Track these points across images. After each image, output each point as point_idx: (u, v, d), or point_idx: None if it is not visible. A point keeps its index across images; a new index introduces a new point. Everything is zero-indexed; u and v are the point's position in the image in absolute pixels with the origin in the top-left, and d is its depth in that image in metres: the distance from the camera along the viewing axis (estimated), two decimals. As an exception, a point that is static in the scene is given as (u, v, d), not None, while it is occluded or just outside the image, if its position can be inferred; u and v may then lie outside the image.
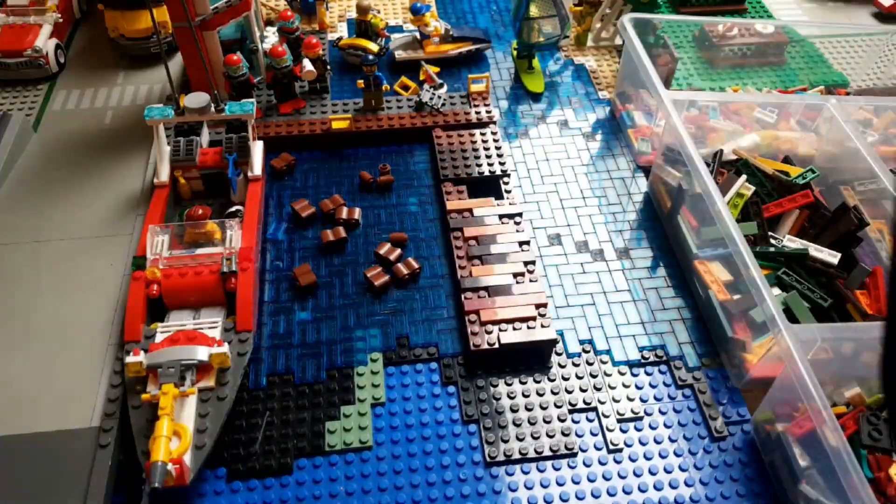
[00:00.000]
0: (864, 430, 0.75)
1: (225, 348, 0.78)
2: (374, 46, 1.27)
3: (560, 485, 0.77)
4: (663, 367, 0.88)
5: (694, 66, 1.33)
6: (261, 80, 1.22)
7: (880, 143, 1.08)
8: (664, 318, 0.93)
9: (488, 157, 1.10)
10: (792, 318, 0.83)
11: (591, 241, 1.03)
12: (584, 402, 0.83)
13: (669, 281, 0.98)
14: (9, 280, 0.92)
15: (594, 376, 0.86)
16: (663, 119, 1.03)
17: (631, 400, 0.84)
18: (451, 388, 0.85)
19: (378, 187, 1.09)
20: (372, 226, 1.03)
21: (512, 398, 0.83)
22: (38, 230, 0.98)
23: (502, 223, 0.99)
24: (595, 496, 0.76)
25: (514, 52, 1.32)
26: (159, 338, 0.80)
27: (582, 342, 0.90)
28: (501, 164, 1.09)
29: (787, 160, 1.07)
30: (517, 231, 0.98)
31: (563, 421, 0.81)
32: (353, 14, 1.41)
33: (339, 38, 1.32)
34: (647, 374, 0.87)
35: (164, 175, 0.99)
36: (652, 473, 0.78)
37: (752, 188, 0.97)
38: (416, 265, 0.96)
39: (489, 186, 1.07)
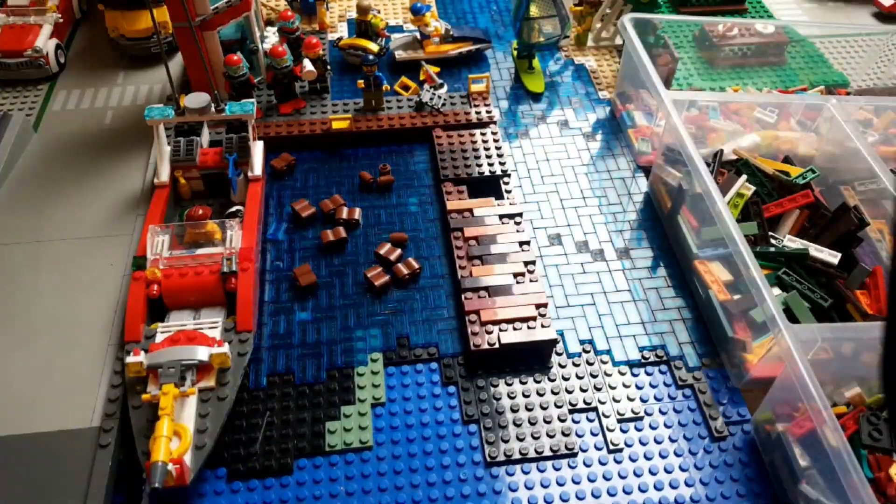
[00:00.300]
0: (864, 430, 0.75)
1: (225, 348, 0.78)
2: (374, 46, 1.27)
3: (560, 485, 0.77)
4: (663, 367, 0.88)
5: (694, 66, 1.34)
6: (261, 80, 1.22)
7: (880, 143, 1.08)
8: (664, 318, 0.93)
9: (488, 157, 1.10)
10: (792, 318, 0.83)
11: (592, 241, 1.03)
12: (585, 402, 0.83)
13: (670, 281, 0.98)
14: (9, 280, 0.92)
15: (594, 376, 0.86)
16: (663, 119, 1.03)
17: (631, 400, 0.84)
18: (452, 388, 0.85)
19: (378, 187, 1.09)
20: (372, 226, 1.03)
21: (512, 398, 0.83)
22: (38, 230, 0.99)
23: (502, 223, 0.99)
24: (595, 496, 0.76)
25: (515, 52, 1.32)
26: (159, 338, 0.80)
27: (582, 342, 0.90)
28: (501, 164, 1.09)
29: (787, 160, 1.07)
30: (517, 231, 0.98)
31: (563, 421, 0.81)
32: (354, 14, 1.41)
33: (340, 38, 1.32)
34: (648, 374, 0.87)
35: (164, 175, 0.99)
36: (652, 473, 0.78)
37: (753, 188, 0.97)
38: (416, 265, 0.96)
39: (489, 186, 1.07)
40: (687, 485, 0.77)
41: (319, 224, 1.03)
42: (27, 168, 1.08)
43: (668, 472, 0.78)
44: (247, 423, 0.81)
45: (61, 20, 1.31)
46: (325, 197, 1.06)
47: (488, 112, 1.17)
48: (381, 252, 0.97)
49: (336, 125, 1.14)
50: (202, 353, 0.77)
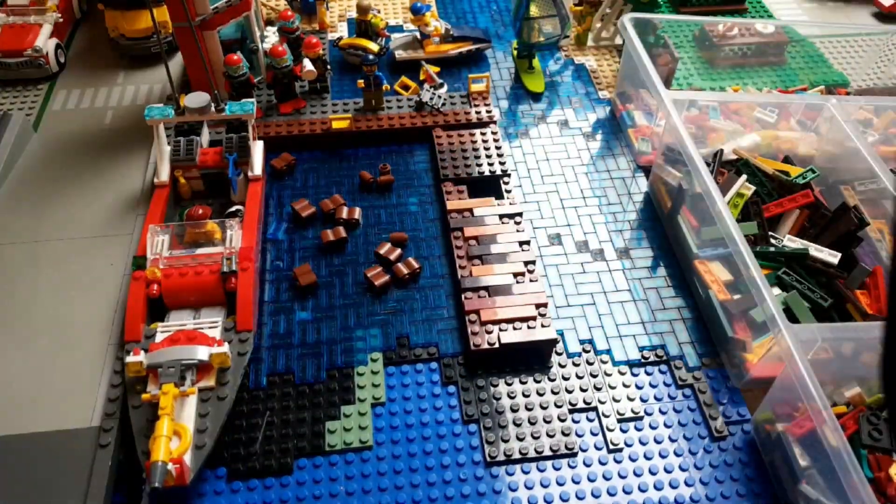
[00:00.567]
0: (864, 430, 0.75)
1: (225, 348, 0.78)
2: (374, 46, 1.27)
3: (560, 485, 0.77)
4: (663, 367, 0.88)
5: (694, 66, 1.33)
6: (261, 80, 1.22)
7: (880, 142, 1.08)
8: (664, 318, 0.93)
9: (488, 156, 1.10)
10: (792, 317, 0.83)
11: (592, 240, 1.03)
12: (585, 402, 0.83)
13: (669, 281, 0.98)
14: (9, 280, 0.92)
15: (594, 376, 0.86)
16: (663, 119, 1.03)
17: (631, 400, 0.84)
18: (452, 388, 0.85)
19: (378, 187, 1.09)
20: (372, 226, 1.03)
21: (512, 398, 0.83)
22: (38, 230, 0.99)
23: (502, 223, 0.99)
24: (595, 496, 0.76)
25: (515, 52, 1.32)
26: (159, 337, 0.80)
27: (582, 342, 0.90)
28: (501, 163, 1.09)
29: (787, 160, 1.07)
30: (517, 231, 0.98)
31: (563, 421, 0.81)
32: (354, 14, 1.41)
33: (340, 38, 1.32)
34: (648, 373, 0.87)
35: (164, 175, 0.99)
36: (652, 473, 0.78)
37: (753, 188, 0.97)
38: (416, 265, 0.96)
39: (489, 186, 1.07)
40: (687, 485, 0.77)
41: (319, 224, 1.03)
42: (27, 168, 1.08)
43: (668, 471, 0.78)
44: (247, 423, 0.81)
45: (61, 20, 1.31)
46: (325, 197, 1.06)
47: (488, 112, 1.17)
48: (381, 252, 0.97)
49: (336, 125, 1.14)
50: (202, 353, 0.77)
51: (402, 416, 0.82)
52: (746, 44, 1.33)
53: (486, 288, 0.91)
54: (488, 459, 0.78)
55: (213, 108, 0.98)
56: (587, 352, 0.89)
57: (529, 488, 0.76)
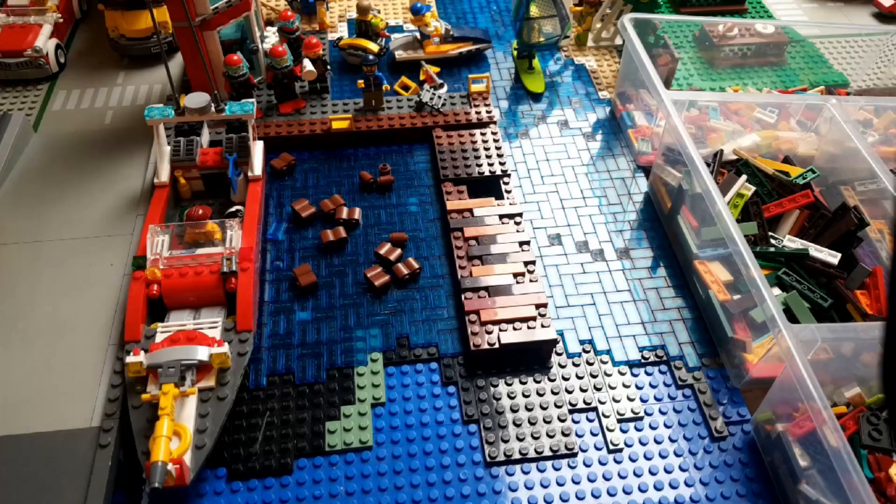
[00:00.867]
0: (864, 430, 0.75)
1: (225, 348, 0.78)
2: (374, 46, 1.27)
3: (560, 485, 0.77)
4: (663, 367, 0.88)
5: (694, 66, 1.34)
6: (261, 80, 1.22)
7: (880, 143, 1.08)
8: (664, 318, 0.93)
9: (488, 157, 1.10)
10: (792, 318, 0.83)
11: (592, 241, 1.03)
12: (584, 402, 0.83)
13: (669, 281, 0.98)
14: (9, 280, 0.92)
15: (594, 376, 0.86)
16: (663, 119, 1.03)
17: (631, 400, 0.84)
18: (451, 388, 0.85)
19: (378, 187, 1.09)
20: (372, 226, 1.03)
21: (512, 398, 0.83)
22: (38, 230, 0.99)
23: (502, 223, 0.99)
24: (595, 496, 0.76)
25: (515, 52, 1.32)
26: (159, 338, 0.80)
27: (582, 342, 0.90)
28: (502, 164, 1.09)
29: (787, 160, 1.07)
30: (517, 231, 0.98)
31: (563, 421, 0.81)
32: (354, 14, 1.41)
33: (340, 38, 1.32)
34: (648, 374, 0.87)
35: (164, 175, 0.99)
36: (652, 473, 0.78)
37: (753, 188, 0.97)
38: (416, 265, 0.96)
39: (489, 186, 1.07)
40: (687, 485, 0.77)
41: (319, 224, 1.03)
42: (27, 168, 1.08)
43: (668, 472, 0.78)
44: (247, 423, 0.81)
45: (61, 20, 1.31)
46: (325, 197, 1.06)
47: (488, 112, 1.17)
48: (381, 252, 0.97)
49: (336, 125, 1.14)
50: (202, 353, 0.77)
51: (402, 416, 0.82)
52: (746, 44, 1.33)
53: (486, 288, 0.91)
54: (488, 460, 0.78)
55: (213, 109, 0.98)
56: (587, 352, 0.89)
57: (529, 488, 0.76)
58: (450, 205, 1.02)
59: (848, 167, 1.01)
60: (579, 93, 1.29)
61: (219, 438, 0.75)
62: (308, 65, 1.16)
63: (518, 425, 0.81)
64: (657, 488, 0.77)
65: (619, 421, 0.82)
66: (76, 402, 0.79)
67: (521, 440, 0.79)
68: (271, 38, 1.31)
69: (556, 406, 0.83)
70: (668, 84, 1.22)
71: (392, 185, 1.09)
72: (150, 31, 1.27)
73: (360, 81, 1.15)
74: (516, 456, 0.78)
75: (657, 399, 0.84)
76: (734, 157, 1.04)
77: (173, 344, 0.78)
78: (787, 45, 1.35)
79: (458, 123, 1.16)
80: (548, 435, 0.80)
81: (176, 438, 0.71)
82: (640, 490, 0.77)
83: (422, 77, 1.27)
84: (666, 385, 0.86)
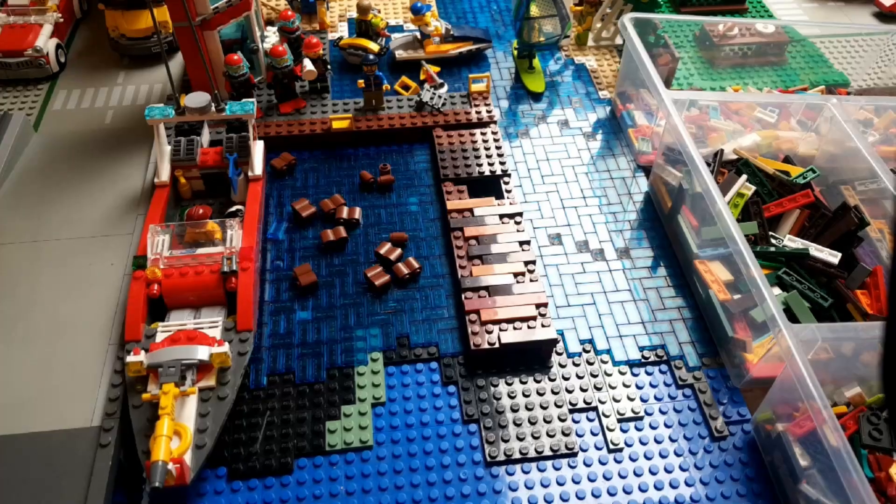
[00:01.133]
0: (864, 430, 0.75)
1: (225, 348, 0.78)
2: (374, 46, 1.27)
3: (560, 484, 0.77)
4: (663, 367, 0.88)
5: (694, 66, 1.33)
6: (261, 80, 1.22)
7: (881, 142, 1.08)
8: (664, 318, 0.93)
9: (489, 156, 1.10)
10: (792, 317, 0.83)
11: (592, 240, 1.03)
12: (585, 402, 0.83)
13: (670, 281, 0.98)
14: (9, 280, 0.92)
15: (594, 376, 0.86)
16: (664, 119, 1.03)
17: (631, 400, 0.84)
18: (452, 388, 0.85)
19: (378, 187, 1.09)
20: (372, 225, 1.03)
21: (512, 398, 0.83)
22: (38, 230, 0.99)
23: (502, 223, 0.99)
24: (595, 496, 0.76)
25: (515, 52, 1.32)
26: (160, 337, 0.80)
27: (582, 342, 0.90)
28: (502, 163, 1.09)
29: (787, 160, 1.07)
30: (517, 231, 0.98)
31: (563, 421, 0.81)
32: (354, 14, 1.41)
33: (340, 38, 1.32)
34: (648, 373, 0.87)
35: (164, 175, 0.99)
36: (652, 473, 0.78)
37: (753, 188, 0.97)
38: (416, 265, 0.96)
39: (489, 186, 1.07)
40: (687, 485, 0.77)
41: (319, 224, 1.03)
42: (27, 168, 1.08)
43: (668, 472, 0.78)
44: (247, 423, 0.81)
45: (62, 20, 1.31)
46: (325, 196, 1.06)
47: (488, 112, 1.17)
48: (382, 252, 0.97)
49: (336, 125, 1.14)
50: (202, 353, 0.77)
51: (402, 415, 0.82)
52: (747, 44, 1.33)
53: (486, 288, 0.91)
54: (488, 459, 0.78)
55: (213, 108, 0.98)
56: (587, 352, 0.89)
57: (529, 488, 0.76)
58: (450, 204, 1.02)
59: (848, 167, 1.01)
60: (579, 92, 1.29)
61: (219, 438, 0.75)
62: (308, 64, 1.16)
63: (518, 425, 0.81)
64: (657, 488, 0.77)
65: (620, 421, 0.82)
66: (76, 401, 0.79)
67: (521, 440, 0.79)
68: (271, 37, 1.31)
69: (557, 406, 0.83)
70: (668, 84, 1.22)
71: (392, 185, 1.09)
72: (150, 31, 1.27)
73: (361, 81, 1.15)
74: (516, 455, 0.78)
75: (657, 399, 0.84)
76: (734, 157, 1.04)
77: (174, 343, 0.78)
78: (787, 44, 1.35)
79: (458, 123, 1.16)
80: (548, 434, 0.80)
81: (176, 438, 0.71)
82: (640, 490, 0.77)
83: (422, 77, 1.27)
84: (666, 385, 0.86)
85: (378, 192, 1.08)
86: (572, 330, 0.91)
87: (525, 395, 0.83)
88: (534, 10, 1.22)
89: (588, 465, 0.78)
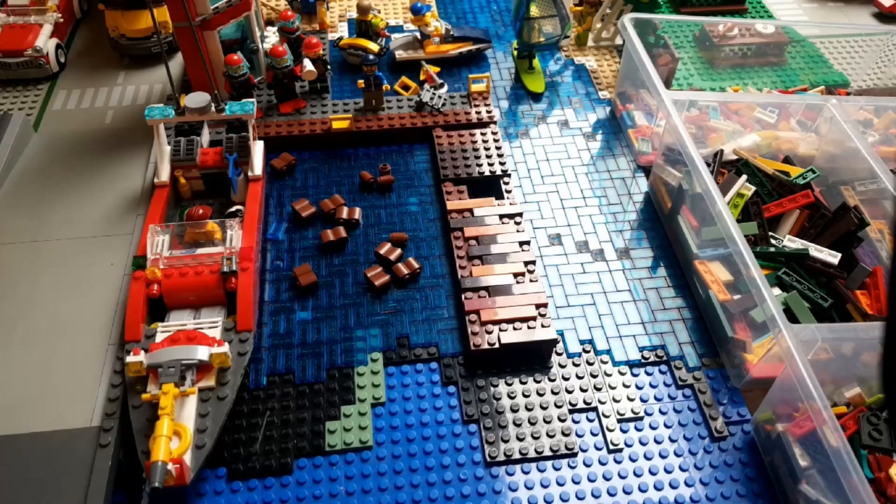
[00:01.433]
0: (864, 430, 0.75)
1: (225, 348, 0.78)
2: (374, 46, 1.27)
3: (560, 485, 0.77)
4: (663, 367, 0.88)
5: (694, 66, 1.34)
6: (261, 80, 1.22)
7: (880, 143, 1.08)
8: (664, 318, 0.93)
9: (488, 157, 1.10)
10: (792, 318, 0.83)
11: (592, 241, 1.03)
12: (585, 402, 0.83)
13: (670, 281, 0.98)
14: (9, 280, 0.92)
15: (594, 376, 0.86)
16: (664, 119, 1.03)
17: (631, 400, 0.84)
18: (452, 388, 0.85)
19: (378, 187, 1.09)
20: (372, 225, 1.03)
21: (512, 398, 0.83)
22: (38, 230, 0.99)
23: (502, 223, 0.99)
24: (595, 496, 0.76)
25: (515, 52, 1.32)
26: (160, 337, 0.80)
27: (582, 342, 0.90)
28: (502, 164, 1.09)
29: (787, 160, 1.07)
30: (517, 231, 0.98)
31: (563, 421, 0.81)
32: (354, 14, 1.41)
33: (340, 38, 1.32)
34: (648, 374, 0.87)
35: (164, 175, 0.99)
36: (652, 473, 0.78)
37: (753, 188, 0.97)
38: (416, 265, 0.96)
39: (489, 186, 1.07)
40: (687, 485, 0.77)
41: (319, 224, 1.03)
42: (27, 168, 1.08)
43: (668, 472, 0.78)
44: (247, 423, 0.81)
45: (61, 20, 1.31)
46: (325, 197, 1.06)
47: (488, 112, 1.17)
48: (381, 252, 0.97)
49: (336, 125, 1.14)
50: (202, 353, 0.77)
51: (402, 416, 0.82)
52: (746, 44, 1.33)
53: (486, 288, 0.91)
54: (488, 459, 0.78)
55: (213, 108, 0.98)
56: (587, 352, 0.89)
57: (529, 488, 0.76)
58: (450, 205, 1.02)
59: (848, 167, 1.01)
60: (579, 93, 1.29)
61: (219, 438, 0.75)
62: (308, 65, 1.16)
63: (518, 425, 0.81)
64: (657, 488, 0.77)
65: (619, 421, 0.82)
66: (76, 401, 0.79)
67: (521, 440, 0.79)
68: (271, 37, 1.31)
69: (556, 406, 0.83)
70: (668, 84, 1.22)
71: (392, 185, 1.09)
72: (150, 31, 1.27)
73: (361, 81, 1.15)
74: (516, 456, 0.78)
75: (657, 399, 0.84)
76: (734, 157, 1.04)
77: (173, 344, 0.78)
78: (787, 44, 1.35)
79: (458, 123, 1.16)
80: (548, 435, 0.80)
81: (176, 438, 0.71)
82: (640, 490, 0.77)
83: (422, 77, 1.27)
84: (666, 385, 0.86)
85: (378, 192, 1.08)
86: (572, 330, 0.91)
87: (525, 396, 0.83)
88: (534, 11, 1.22)
89: (588, 466, 0.78)
